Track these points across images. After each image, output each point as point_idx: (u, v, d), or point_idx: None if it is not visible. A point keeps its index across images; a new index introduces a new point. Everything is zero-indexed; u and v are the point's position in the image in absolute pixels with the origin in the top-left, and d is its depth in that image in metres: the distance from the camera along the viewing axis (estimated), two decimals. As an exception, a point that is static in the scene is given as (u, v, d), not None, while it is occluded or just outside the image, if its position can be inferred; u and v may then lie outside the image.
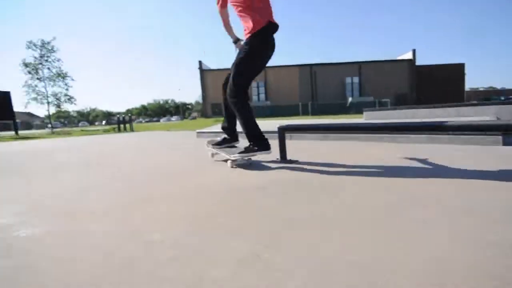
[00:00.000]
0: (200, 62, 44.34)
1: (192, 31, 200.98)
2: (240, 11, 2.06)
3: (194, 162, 2.66)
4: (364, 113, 6.92)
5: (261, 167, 2.18)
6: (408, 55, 40.93)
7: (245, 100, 2.27)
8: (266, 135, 2.28)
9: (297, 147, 3.14)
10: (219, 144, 2.51)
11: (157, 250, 0.86)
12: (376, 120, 5.61)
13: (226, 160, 2.38)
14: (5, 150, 5.01)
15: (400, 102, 35.16)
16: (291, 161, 2.31)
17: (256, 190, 1.51)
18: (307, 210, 1.17)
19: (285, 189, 1.51)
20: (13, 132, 12.94)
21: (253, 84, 42.60)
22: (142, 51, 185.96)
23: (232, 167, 2.19)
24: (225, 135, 2.53)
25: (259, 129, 2.27)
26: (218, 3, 2.18)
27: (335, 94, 40.90)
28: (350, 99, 37.13)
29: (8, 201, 1.52)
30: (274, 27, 2.10)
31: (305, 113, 33.34)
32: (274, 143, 2.36)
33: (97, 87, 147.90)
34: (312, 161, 2.32)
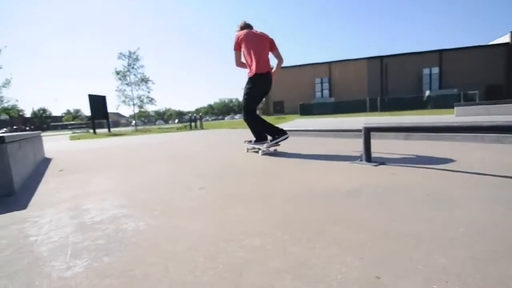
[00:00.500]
0: (263, 61, 44.92)
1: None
2: (245, 58, 3.13)
3: (269, 162, 2.64)
4: (456, 108, 6.01)
5: (347, 168, 2.03)
6: (505, 39, 34.53)
7: (252, 116, 3.35)
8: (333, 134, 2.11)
9: (378, 147, 2.87)
10: (250, 142, 3.54)
11: (262, 257, 0.83)
12: (471, 116, 4.82)
13: (257, 151, 3.32)
14: (108, 145, 5.82)
15: (492, 95, 29.93)
16: (377, 162, 2.11)
17: (349, 196, 1.39)
18: (420, 226, 1.01)
19: (380, 197, 1.35)
20: (106, 130, 15.08)
21: (316, 80, 41.46)
22: (209, 51, 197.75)
23: (262, 155, 3.08)
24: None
25: (275, 127, 3.30)
26: (234, 48, 3.16)
27: (409, 87, 37.02)
28: (427, 92, 33.14)
29: (112, 192, 1.71)
30: (262, 75, 3.06)
31: (373, 109, 31.01)
32: (335, 141, 2.17)
33: (170, 88, 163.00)
34: (402, 164, 2.07)
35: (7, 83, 17.84)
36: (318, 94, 41.89)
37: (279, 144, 3.26)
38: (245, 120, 3.33)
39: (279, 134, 3.13)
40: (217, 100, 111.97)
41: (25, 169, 2.39)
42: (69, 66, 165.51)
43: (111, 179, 2.14)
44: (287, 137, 3.16)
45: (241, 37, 3.04)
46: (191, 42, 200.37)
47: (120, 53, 16.96)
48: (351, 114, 25.24)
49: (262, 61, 3.05)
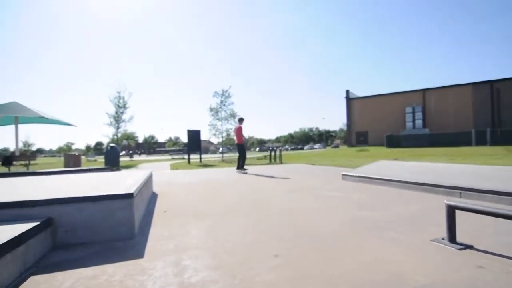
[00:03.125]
0: (347, 91, 44.07)
1: (339, 59, 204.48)
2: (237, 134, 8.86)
3: (359, 225, 2.64)
4: None
5: (423, 247, 1.91)
6: None
7: (242, 156, 8.67)
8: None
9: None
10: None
11: None
12: None
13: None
14: (200, 180, 6.68)
15: None
16: (463, 245, 1.90)
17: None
18: None
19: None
20: (198, 156, 17.05)
21: (407, 110, 37.91)
22: (293, 78, 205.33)
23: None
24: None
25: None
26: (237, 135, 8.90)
27: (532, 117, 30.30)
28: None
29: (202, 249, 2.05)
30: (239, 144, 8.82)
31: (480, 142, 26.20)
32: (424, 198, 2.02)
33: (253, 115, 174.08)
34: (496, 250, 1.82)
35: (131, 119, 22.69)
36: (409, 124, 38.05)
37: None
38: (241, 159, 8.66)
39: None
40: (297, 129, 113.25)
41: (141, 211, 3.04)
42: (173, 99, 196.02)
43: (202, 230, 2.53)
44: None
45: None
46: (275, 70, 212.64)
47: (215, 92, 19.50)
48: (451, 148, 21.85)
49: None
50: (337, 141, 77.16)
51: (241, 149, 8.74)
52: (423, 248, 1.94)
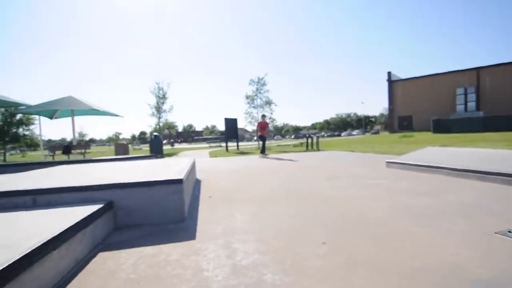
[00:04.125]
0: (389, 74, 41.33)
1: (379, 39, 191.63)
2: (260, 130, 11.22)
3: (408, 214, 2.53)
4: None
5: (487, 239, 1.76)
6: None
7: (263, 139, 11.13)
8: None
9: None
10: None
11: None
12: None
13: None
14: (238, 167, 6.84)
15: None
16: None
17: (488, 288, 1.25)
18: None
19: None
20: (235, 144, 17.39)
21: (458, 91, 34.69)
22: (328, 63, 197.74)
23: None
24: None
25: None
26: (263, 128, 11.26)
27: None
28: None
29: (250, 233, 2.11)
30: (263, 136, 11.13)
31: (548, 126, 23.09)
32: (480, 187, 1.84)
33: (288, 102, 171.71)
34: None
35: (171, 109, 23.73)
36: (460, 107, 34.81)
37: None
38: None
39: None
40: (334, 116, 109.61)
41: (188, 196, 3.21)
42: (209, 89, 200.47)
43: (247, 215, 2.60)
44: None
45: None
46: (310, 55, 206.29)
47: (251, 80, 19.53)
48: (509, 132, 19.59)
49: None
50: (377, 127, 73.37)
51: (263, 139, 11.19)
52: (486, 240, 1.80)
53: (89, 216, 1.93)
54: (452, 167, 4.22)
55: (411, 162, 5.03)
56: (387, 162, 5.56)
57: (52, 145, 15.66)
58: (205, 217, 2.58)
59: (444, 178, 4.08)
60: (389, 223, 2.21)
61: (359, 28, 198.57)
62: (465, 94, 34.40)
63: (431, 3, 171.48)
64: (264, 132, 11.05)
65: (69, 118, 11.83)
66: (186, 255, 1.75)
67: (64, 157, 11.01)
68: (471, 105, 34.02)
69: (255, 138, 23.43)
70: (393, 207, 2.65)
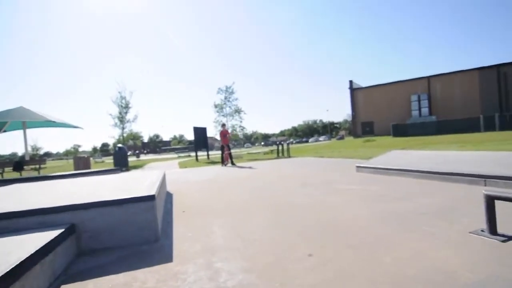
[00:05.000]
0: (350, 82, 43.62)
1: (339, 49, 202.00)
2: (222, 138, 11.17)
3: (387, 219, 2.56)
4: None
5: (464, 240, 1.83)
6: None
7: (225, 149, 10.83)
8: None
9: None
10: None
11: None
12: None
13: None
14: (210, 178, 6.64)
15: None
16: (505, 237, 1.82)
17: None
18: None
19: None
20: (205, 153, 17.02)
21: (412, 98, 37.51)
22: (294, 71, 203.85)
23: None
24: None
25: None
26: (224, 136, 11.13)
27: (541, 100, 29.74)
28: None
29: (231, 250, 1.99)
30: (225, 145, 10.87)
31: (489, 128, 25.81)
32: (445, 188, 1.93)
33: (256, 109, 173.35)
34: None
35: (135, 119, 22.70)
36: (415, 112, 37.62)
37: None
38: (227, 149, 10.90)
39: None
40: (301, 122, 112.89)
41: (161, 212, 2.99)
42: (175, 98, 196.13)
43: (225, 229, 2.46)
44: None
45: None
46: (277, 63, 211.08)
47: (219, 88, 19.42)
48: (459, 134, 21.54)
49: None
50: (342, 133, 76.53)
51: (222, 149, 11.17)
52: (462, 241, 1.86)
53: (47, 244, 1.69)
54: (420, 169, 4.45)
55: (380, 166, 5.23)
56: (357, 166, 5.74)
57: (0, 161, 14.09)
58: (181, 235, 2.41)
59: (413, 180, 4.28)
60: (370, 230, 2.22)
61: (324, 36, 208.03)
62: (419, 100, 37.31)
63: (389, 18, 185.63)
64: (226, 140, 11.08)
65: (21, 131, 10.77)
66: (164, 280, 1.59)
67: (16, 174, 9.94)
68: (425, 110, 36.94)
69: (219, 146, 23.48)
70: (371, 213, 2.68)
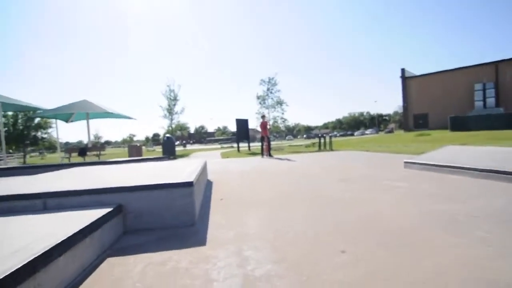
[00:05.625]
0: (402, 70, 40.31)
1: (393, 35, 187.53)
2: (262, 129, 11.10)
3: (433, 220, 2.36)
4: None
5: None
6: None
7: (265, 141, 10.94)
8: None
9: None
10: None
11: None
12: None
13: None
14: (250, 169, 6.75)
15: None
16: None
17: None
18: None
19: None
20: (246, 145, 17.32)
21: (476, 87, 33.46)
22: (340, 61, 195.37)
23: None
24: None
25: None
26: (264, 127, 10.98)
27: None
28: None
29: (262, 239, 2.00)
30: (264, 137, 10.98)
31: None
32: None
33: (300, 101, 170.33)
34: None
35: (182, 111, 24.01)
36: (478, 103, 33.56)
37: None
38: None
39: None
40: (346, 114, 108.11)
41: (199, 199, 3.13)
42: (220, 90, 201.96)
43: (259, 220, 2.49)
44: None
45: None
46: (321, 54, 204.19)
47: (261, 80, 19.49)
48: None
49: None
50: (391, 125, 71.64)
51: (262, 140, 11.21)
52: (522, 249, 1.62)
53: (97, 220, 1.88)
54: (478, 167, 3.98)
55: (431, 163, 4.79)
56: (405, 162, 5.33)
57: (68, 148, 16.03)
58: (216, 221, 2.49)
59: (468, 180, 3.84)
60: (412, 231, 2.05)
61: (371, 25, 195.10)
62: (484, 89, 33.08)
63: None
64: (266, 131, 11.05)
65: (85, 121, 12.09)
66: (195, 262, 1.66)
67: (80, 159, 11.24)
68: (490, 101, 32.68)
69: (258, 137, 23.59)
70: (417, 213, 2.48)
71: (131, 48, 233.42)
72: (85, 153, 11.49)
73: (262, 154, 11.01)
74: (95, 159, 11.44)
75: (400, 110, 52.94)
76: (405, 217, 2.38)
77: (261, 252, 1.78)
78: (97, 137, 71.76)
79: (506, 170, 3.62)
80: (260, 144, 11.70)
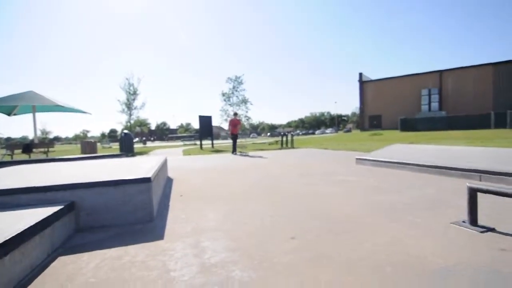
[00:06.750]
0: (360, 74, 42.89)
1: (351, 42, 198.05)
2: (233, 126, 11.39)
3: (376, 209, 2.62)
4: None
5: (443, 230, 1.88)
6: None
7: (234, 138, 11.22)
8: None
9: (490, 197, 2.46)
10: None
11: None
12: None
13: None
14: (213, 166, 6.76)
15: None
16: (485, 228, 1.86)
17: (436, 278, 1.33)
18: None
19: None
20: (210, 142, 17.20)
21: (423, 92, 36.80)
22: (303, 64, 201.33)
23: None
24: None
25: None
26: (236, 126, 11.35)
27: (559, 97, 28.85)
28: None
29: (221, 231, 2.09)
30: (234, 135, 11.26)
31: (500, 125, 25.27)
32: (440, 182, 1.98)
33: (264, 100, 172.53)
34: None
35: (142, 106, 22.96)
36: (424, 107, 36.99)
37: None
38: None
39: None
40: (308, 114, 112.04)
41: (158, 195, 3.11)
42: (184, 87, 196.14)
43: (218, 213, 2.56)
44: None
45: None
46: (286, 55, 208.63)
47: (228, 78, 19.48)
48: (469, 130, 21.18)
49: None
50: (349, 125, 75.86)
51: (234, 137, 11.31)
52: (442, 230, 1.91)
53: (46, 218, 1.80)
54: (417, 163, 4.47)
55: (379, 159, 5.25)
56: (357, 159, 5.77)
57: (10, 143, 14.51)
58: (175, 216, 2.52)
59: (410, 173, 4.31)
60: (357, 219, 2.28)
61: (335, 28, 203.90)
62: (429, 95, 36.63)
63: (403, 12, 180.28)
64: (236, 129, 11.07)
65: (30, 115, 11.02)
66: (152, 255, 1.69)
67: (25, 156, 10.26)
68: (435, 105, 36.29)
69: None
70: (361, 204, 2.75)
71: (87, 38, 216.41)
72: (31, 149, 10.53)
73: (234, 151, 10.91)
74: (43, 156, 10.54)
75: (357, 111, 56.29)
76: (351, 206, 2.63)
77: (217, 242, 1.86)
78: (44, 132, 65.59)
79: (438, 165, 4.13)
80: (231, 141, 11.78)
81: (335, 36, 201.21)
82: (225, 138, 52.70)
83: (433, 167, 4.17)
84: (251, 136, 61.62)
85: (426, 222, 2.11)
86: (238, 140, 12.22)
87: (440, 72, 36.16)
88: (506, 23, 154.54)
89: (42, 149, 11.26)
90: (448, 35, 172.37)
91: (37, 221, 1.71)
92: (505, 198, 1.84)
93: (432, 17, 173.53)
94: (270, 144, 17.99)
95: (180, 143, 35.04)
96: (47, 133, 68.11)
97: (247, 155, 9.50)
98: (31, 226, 1.63)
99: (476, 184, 1.94)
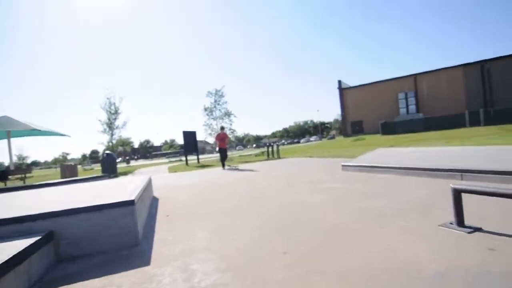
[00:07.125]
0: (339, 82, 44.09)
1: (328, 50, 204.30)
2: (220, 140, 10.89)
3: (365, 216, 2.63)
4: None
5: (432, 233, 1.90)
6: None
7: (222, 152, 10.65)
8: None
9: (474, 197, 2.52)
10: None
11: None
12: None
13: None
14: (199, 182, 6.64)
15: None
16: (472, 228, 1.90)
17: (431, 284, 1.33)
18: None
19: None
20: (195, 157, 16.98)
21: (400, 96, 38.18)
22: (283, 74, 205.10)
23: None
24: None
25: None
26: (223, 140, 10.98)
27: (523, 95, 30.60)
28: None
29: (210, 251, 2.03)
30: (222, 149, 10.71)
31: (474, 123, 26.48)
32: (425, 184, 2.01)
33: (248, 112, 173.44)
34: (506, 231, 1.82)
35: (124, 125, 22.53)
36: (402, 110, 38.31)
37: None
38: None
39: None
40: (292, 124, 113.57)
41: (143, 217, 3.00)
42: (167, 103, 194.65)
43: (207, 232, 2.49)
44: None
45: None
46: (266, 65, 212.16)
47: (208, 91, 19.45)
48: (446, 130, 22.05)
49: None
50: (332, 132, 77.21)
51: (222, 151, 10.78)
52: (431, 233, 1.93)
53: (21, 252, 1.69)
54: (401, 166, 4.57)
55: (363, 164, 5.33)
56: (343, 165, 5.84)
57: (-17, 172, 13.71)
58: (161, 239, 2.42)
59: (395, 177, 4.38)
60: (347, 227, 2.28)
61: (312, 36, 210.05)
62: (406, 98, 38.05)
63: (375, 19, 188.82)
64: (224, 144, 10.87)
65: (5, 141, 10.53)
66: (139, 283, 1.61)
67: (0, 184, 9.73)
68: (412, 108, 37.67)
69: (216, 149, 23.22)
70: (349, 211, 2.75)
71: (62, 55, 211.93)
72: (6, 177, 10.00)
73: (223, 165, 10.33)
74: (20, 183, 10.04)
75: (340, 118, 57.51)
76: (340, 214, 2.62)
77: (207, 263, 1.80)
78: (21, 158, 62.78)
79: (421, 167, 4.24)
80: (218, 156, 11.25)
81: (313, 42, 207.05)
82: (210, 152, 52.31)
83: (418, 169, 4.28)
84: (237, 148, 61.49)
85: (415, 226, 2.13)
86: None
87: (415, 75, 37.74)
88: (473, 24, 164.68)
89: (19, 176, 10.73)
90: (422, 39, 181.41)
91: (10, 256, 1.59)
92: (489, 197, 1.89)
93: (406, 22, 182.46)
94: (256, 155, 17.98)
95: (165, 160, 34.41)
96: (24, 158, 65.23)
97: (235, 169, 9.43)
98: (3, 262, 1.52)
99: (460, 184, 1.99)
